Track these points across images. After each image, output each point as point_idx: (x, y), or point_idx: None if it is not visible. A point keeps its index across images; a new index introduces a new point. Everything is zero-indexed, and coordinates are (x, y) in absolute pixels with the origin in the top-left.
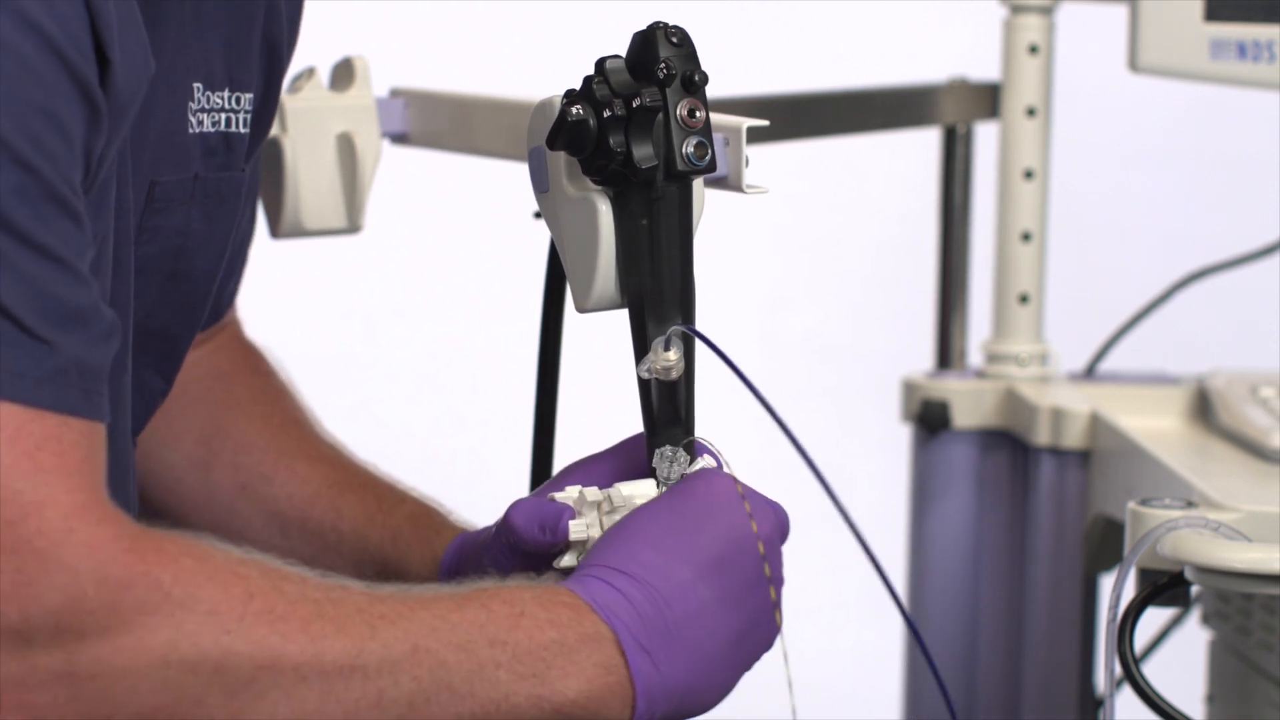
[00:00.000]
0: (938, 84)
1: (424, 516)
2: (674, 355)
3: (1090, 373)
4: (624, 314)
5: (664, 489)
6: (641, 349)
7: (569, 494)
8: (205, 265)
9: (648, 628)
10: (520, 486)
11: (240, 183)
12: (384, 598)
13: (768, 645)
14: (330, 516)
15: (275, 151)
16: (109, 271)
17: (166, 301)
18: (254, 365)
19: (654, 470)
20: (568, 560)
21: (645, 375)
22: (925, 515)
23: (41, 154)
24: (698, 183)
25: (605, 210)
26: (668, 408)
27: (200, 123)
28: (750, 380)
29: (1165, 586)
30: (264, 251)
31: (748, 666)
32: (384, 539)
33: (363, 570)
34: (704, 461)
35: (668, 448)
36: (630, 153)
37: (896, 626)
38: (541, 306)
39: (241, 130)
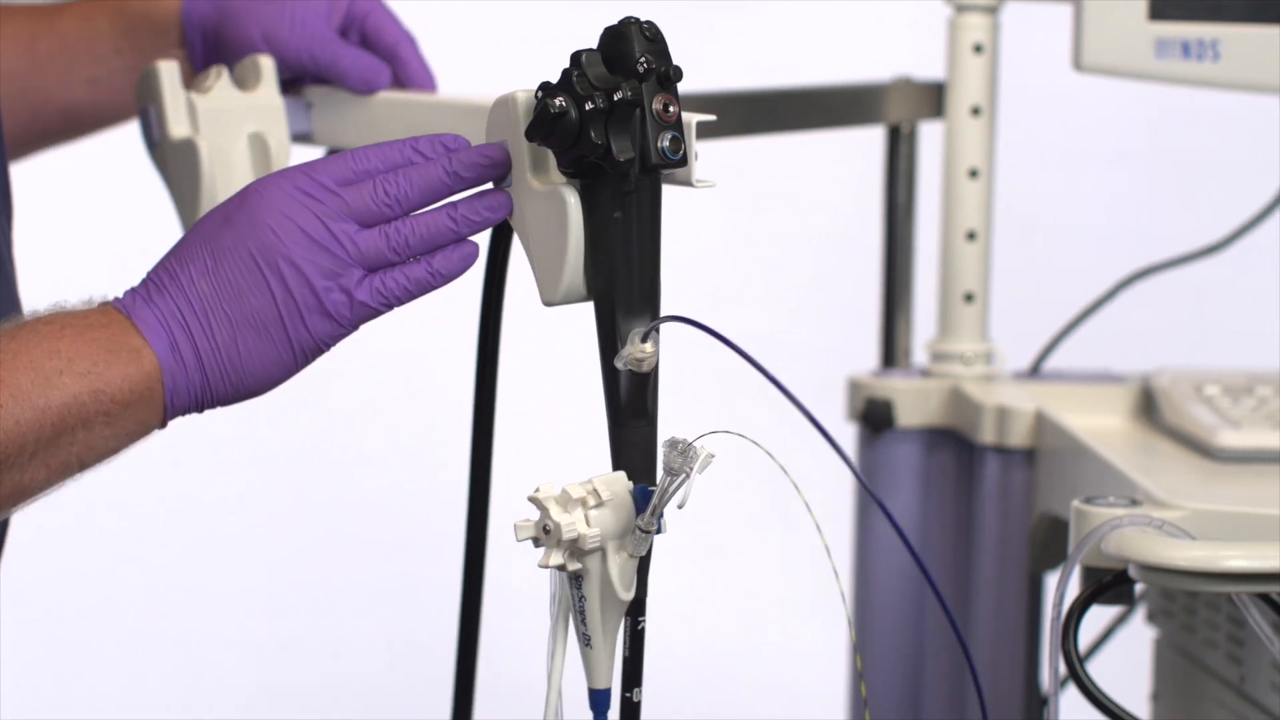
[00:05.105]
0: (882, 83)
1: None
2: (650, 347)
3: (1035, 371)
4: (567, 309)
5: (669, 478)
6: (610, 341)
7: (548, 489)
8: None
9: (167, 316)
10: (461, 476)
11: None
12: None
13: (324, 329)
14: None
15: (191, 153)
16: None
17: None
18: None
19: (660, 458)
20: (556, 559)
21: (620, 366)
22: (871, 515)
23: None
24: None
25: (575, 204)
26: (637, 399)
27: None
28: (759, 363)
29: (1109, 585)
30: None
31: (299, 348)
32: None
33: None
34: (706, 454)
35: (677, 439)
36: (610, 146)
37: (842, 625)
38: (481, 302)
39: None
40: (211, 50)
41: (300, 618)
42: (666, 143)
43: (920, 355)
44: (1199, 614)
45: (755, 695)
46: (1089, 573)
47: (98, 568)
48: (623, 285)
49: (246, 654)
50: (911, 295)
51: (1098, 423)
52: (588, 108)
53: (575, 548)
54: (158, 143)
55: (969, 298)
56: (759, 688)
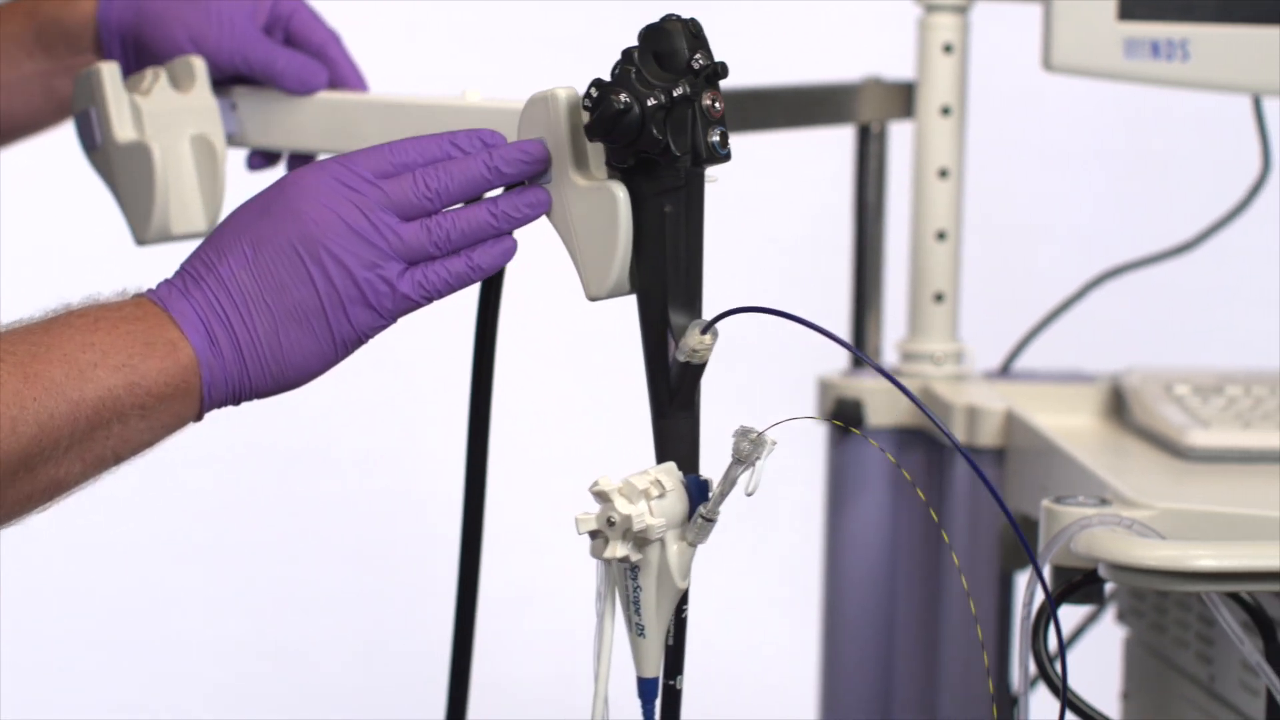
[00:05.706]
0: (852, 82)
1: None
2: (708, 339)
3: (1005, 371)
4: (561, 310)
5: (738, 465)
6: (658, 334)
7: (607, 481)
8: None
9: (205, 309)
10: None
11: None
12: None
13: (366, 321)
14: None
15: (142, 155)
16: None
17: None
18: None
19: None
20: (620, 551)
21: (681, 358)
22: (841, 514)
23: None
24: None
25: (624, 199)
26: (687, 391)
27: None
28: (857, 349)
29: (1079, 584)
30: (131, 258)
31: (340, 340)
32: None
33: None
34: (771, 442)
35: (751, 428)
36: (668, 142)
37: (813, 624)
38: (478, 304)
39: None
40: (131, 54)
41: (293, 619)
42: (716, 137)
43: (890, 355)
44: (1169, 613)
45: (730, 693)
46: (1059, 572)
47: (91, 567)
48: (672, 278)
49: (239, 655)
50: (881, 295)
51: (1068, 422)
52: (649, 104)
53: (640, 538)
54: (99, 146)
55: (939, 298)
56: (731, 685)
